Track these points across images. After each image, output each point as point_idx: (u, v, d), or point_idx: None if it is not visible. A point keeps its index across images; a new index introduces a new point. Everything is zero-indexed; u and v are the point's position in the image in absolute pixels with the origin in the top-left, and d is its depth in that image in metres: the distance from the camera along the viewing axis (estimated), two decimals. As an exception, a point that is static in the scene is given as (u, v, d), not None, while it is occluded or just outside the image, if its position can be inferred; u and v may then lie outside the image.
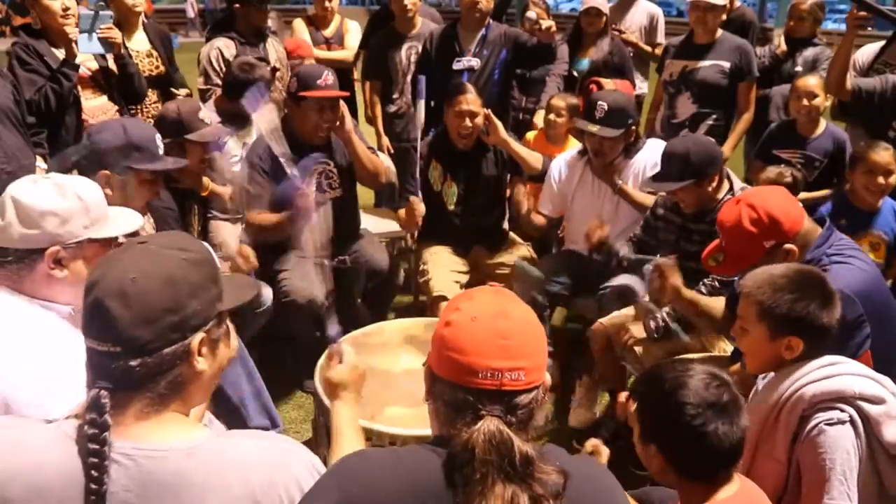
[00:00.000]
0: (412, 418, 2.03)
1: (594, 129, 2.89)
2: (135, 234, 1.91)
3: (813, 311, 1.63)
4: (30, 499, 1.03)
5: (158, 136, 2.27)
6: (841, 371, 1.62)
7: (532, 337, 1.13)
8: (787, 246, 1.97)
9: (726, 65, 3.70)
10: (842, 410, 1.57)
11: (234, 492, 1.06)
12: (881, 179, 2.91)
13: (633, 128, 3.00)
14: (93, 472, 1.01)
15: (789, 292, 1.65)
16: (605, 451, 1.75)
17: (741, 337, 1.76)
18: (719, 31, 3.79)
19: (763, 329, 1.67)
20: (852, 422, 1.57)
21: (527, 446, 1.04)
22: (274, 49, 4.04)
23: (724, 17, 3.86)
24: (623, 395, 1.86)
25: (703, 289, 2.56)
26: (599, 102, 2.90)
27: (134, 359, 1.05)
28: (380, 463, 1.12)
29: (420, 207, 3.13)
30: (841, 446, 1.54)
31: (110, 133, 2.18)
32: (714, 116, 3.78)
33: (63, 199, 1.54)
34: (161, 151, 2.26)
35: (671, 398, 1.40)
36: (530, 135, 3.96)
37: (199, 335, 1.11)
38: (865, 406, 1.58)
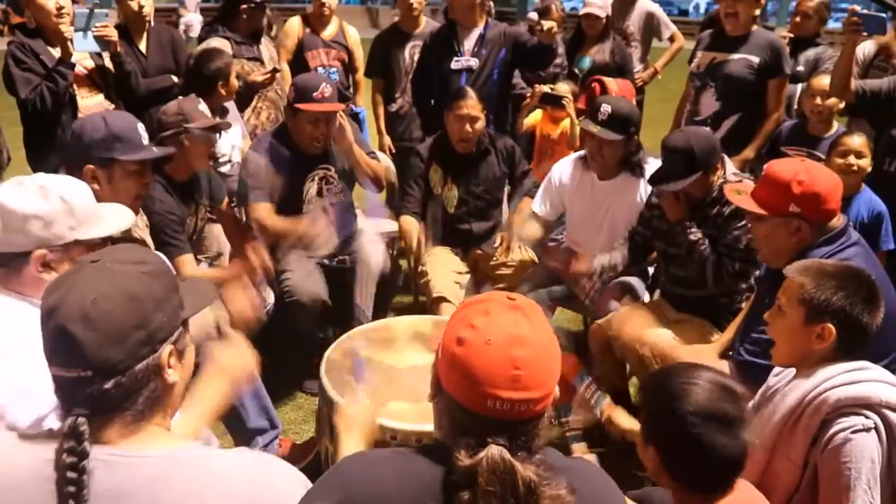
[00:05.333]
0: (414, 414, 2.02)
1: (595, 129, 2.88)
2: (127, 231, 1.90)
3: (855, 304, 1.58)
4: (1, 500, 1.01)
5: (141, 126, 2.24)
6: (868, 377, 1.58)
7: (547, 366, 1.07)
8: (804, 224, 1.97)
9: (755, 60, 3.53)
10: (866, 417, 1.53)
11: (212, 499, 1.04)
12: (852, 159, 2.96)
13: (635, 137, 2.96)
14: (71, 501, 0.98)
15: (836, 280, 1.61)
16: (591, 457, 1.74)
17: (775, 320, 1.71)
18: (753, 26, 3.61)
19: (800, 312, 1.62)
20: (876, 429, 1.53)
21: (529, 471, 1.02)
22: (267, 49, 4.05)
23: (758, 11, 3.64)
24: (605, 413, 1.95)
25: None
26: (604, 105, 2.87)
27: (107, 381, 1.02)
28: (383, 464, 1.11)
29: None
30: (866, 455, 1.51)
31: (91, 126, 2.15)
32: (738, 116, 3.62)
33: (46, 202, 1.52)
34: (145, 141, 2.23)
35: (674, 404, 1.37)
36: (534, 116, 3.92)
37: (168, 347, 1.09)
38: (890, 414, 1.54)
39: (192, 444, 1.13)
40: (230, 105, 3.53)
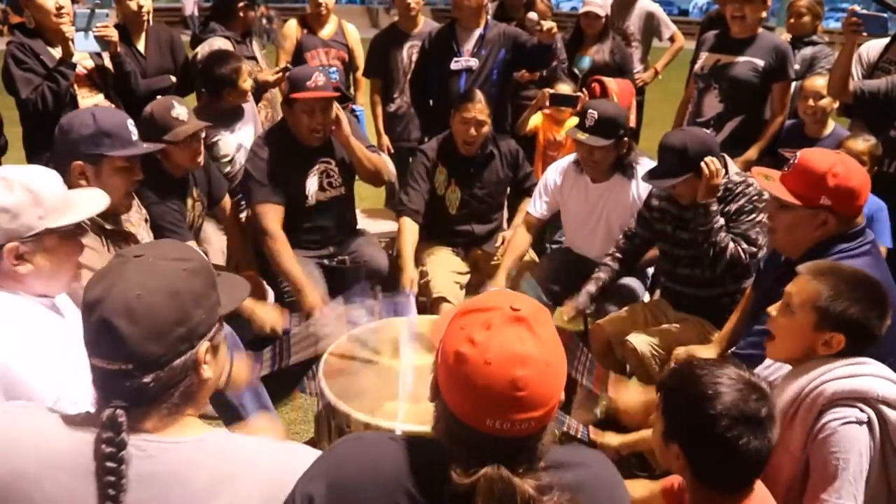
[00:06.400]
0: (412, 414, 2.01)
1: (583, 137, 2.89)
2: (119, 225, 1.87)
3: (870, 318, 1.58)
4: (42, 475, 1.03)
5: (131, 122, 2.23)
6: (866, 372, 1.58)
7: (549, 383, 1.02)
8: (831, 217, 1.94)
9: (761, 63, 3.52)
10: (861, 410, 1.53)
11: (242, 482, 1.07)
12: None
13: (625, 139, 2.96)
14: (110, 490, 1.01)
15: (853, 292, 1.59)
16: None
17: (780, 316, 1.68)
18: (759, 28, 3.61)
19: (811, 318, 1.61)
20: (870, 423, 1.53)
21: (527, 485, 0.99)
22: (257, 47, 4.11)
23: (765, 14, 3.61)
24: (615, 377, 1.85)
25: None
26: (590, 111, 2.88)
27: (147, 375, 1.05)
28: (377, 448, 1.10)
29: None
30: (855, 448, 1.51)
31: (79, 122, 2.14)
32: (741, 118, 3.60)
33: (11, 194, 1.51)
34: (134, 137, 2.21)
35: (706, 405, 1.34)
36: (535, 119, 3.94)
37: (205, 343, 1.11)
38: (886, 410, 1.54)
39: (219, 430, 1.16)
40: (248, 105, 3.52)
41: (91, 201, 1.71)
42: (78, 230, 1.67)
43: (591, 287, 2.87)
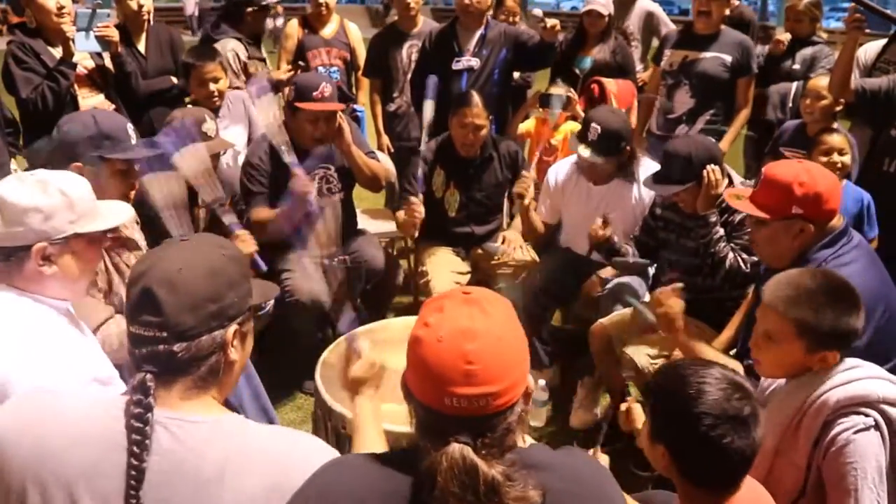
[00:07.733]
0: (407, 416, 2.01)
1: (585, 153, 2.88)
2: (117, 231, 1.88)
3: (853, 323, 1.59)
4: (70, 451, 1.09)
5: (130, 126, 2.22)
6: (862, 375, 1.58)
7: (502, 357, 1.04)
8: (808, 225, 1.96)
9: (728, 58, 3.64)
10: (866, 415, 1.53)
11: (249, 467, 1.10)
12: (836, 157, 2.96)
13: (627, 148, 2.96)
14: (135, 448, 1.07)
15: (831, 308, 1.58)
16: (603, 458, 1.71)
17: (767, 347, 1.67)
18: (722, 25, 3.71)
19: (801, 345, 1.60)
20: (877, 426, 1.53)
21: (494, 470, 0.99)
22: (264, 50, 4.17)
23: (728, 11, 3.75)
24: (624, 406, 1.84)
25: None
26: (593, 124, 2.86)
27: (177, 343, 1.12)
28: (359, 471, 1.10)
29: (419, 210, 3.11)
30: (870, 453, 1.51)
31: (79, 124, 2.14)
32: (712, 112, 3.72)
33: (46, 196, 1.52)
34: (134, 141, 2.21)
35: (690, 404, 1.35)
36: (529, 124, 3.94)
37: (234, 326, 1.18)
38: (889, 410, 1.55)
39: (233, 415, 1.20)
40: (242, 103, 3.51)
41: (117, 211, 1.74)
42: (103, 237, 1.68)
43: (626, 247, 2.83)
